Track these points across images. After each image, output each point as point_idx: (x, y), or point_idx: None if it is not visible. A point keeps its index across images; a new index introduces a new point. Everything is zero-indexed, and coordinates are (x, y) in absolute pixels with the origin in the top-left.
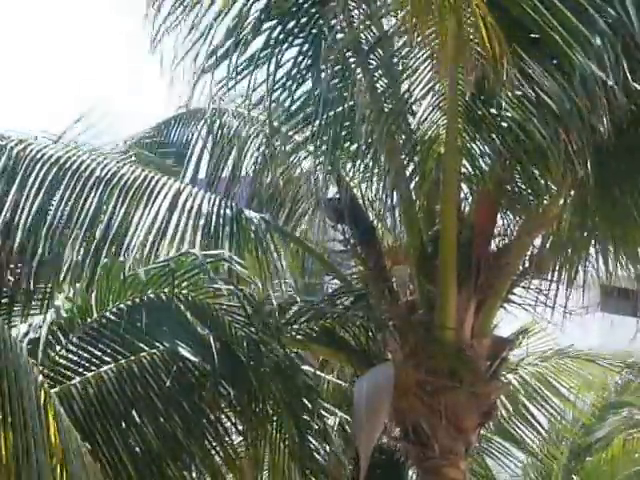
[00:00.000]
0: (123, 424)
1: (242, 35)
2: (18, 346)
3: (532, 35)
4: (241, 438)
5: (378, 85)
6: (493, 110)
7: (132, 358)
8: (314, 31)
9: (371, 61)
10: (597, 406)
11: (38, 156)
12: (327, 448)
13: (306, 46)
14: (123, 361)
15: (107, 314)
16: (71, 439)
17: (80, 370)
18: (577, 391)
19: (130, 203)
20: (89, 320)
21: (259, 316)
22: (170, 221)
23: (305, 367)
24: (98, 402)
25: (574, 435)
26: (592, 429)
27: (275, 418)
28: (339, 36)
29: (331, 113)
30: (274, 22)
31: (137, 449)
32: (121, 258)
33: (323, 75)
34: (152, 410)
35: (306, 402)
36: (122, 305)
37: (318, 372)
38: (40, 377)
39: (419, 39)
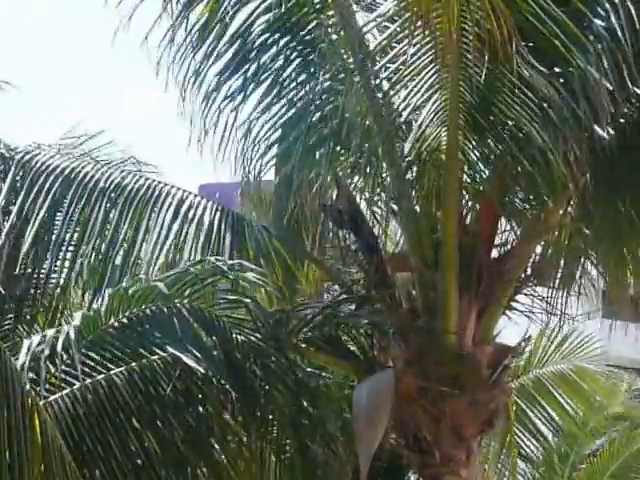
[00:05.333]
0: (124, 432)
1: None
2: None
3: (532, 41)
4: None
5: (377, 91)
6: (494, 117)
7: (137, 367)
8: (309, 38)
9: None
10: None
11: (43, 168)
12: (330, 455)
13: (303, 52)
14: (126, 370)
15: (115, 323)
16: (55, 450)
17: (86, 378)
18: (576, 403)
19: (134, 214)
20: (97, 329)
21: (263, 325)
22: (171, 230)
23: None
24: (98, 410)
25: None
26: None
27: (278, 427)
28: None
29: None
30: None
31: (139, 457)
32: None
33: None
34: (156, 419)
35: (310, 410)
36: (131, 314)
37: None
38: (27, 387)
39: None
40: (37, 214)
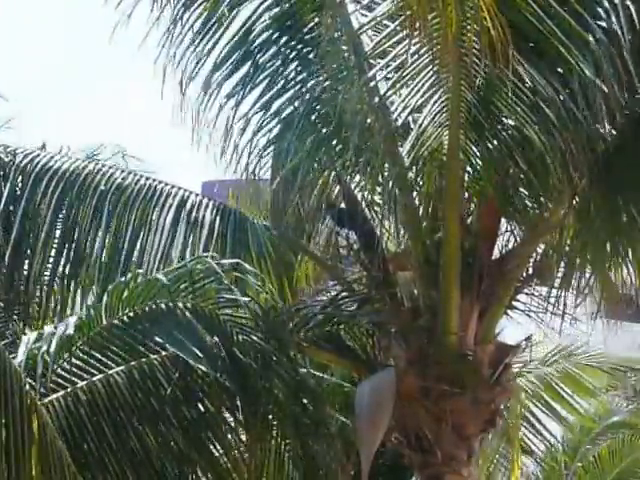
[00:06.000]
0: (125, 431)
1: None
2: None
3: (531, 42)
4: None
5: (378, 90)
6: (493, 117)
7: (138, 365)
8: (310, 36)
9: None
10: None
11: (43, 170)
12: (330, 454)
13: (303, 51)
14: (126, 368)
15: (115, 322)
16: (53, 450)
17: (86, 376)
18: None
19: (136, 215)
20: (98, 328)
21: (266, 325)
22: (173, 231)
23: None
24: (99, 408)
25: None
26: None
27: (279, 426)
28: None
29: (332, 118)
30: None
31: (139, 456)
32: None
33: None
34: (156, 418)
35: (310, 409)
36: (131, 313)
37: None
38: (27, 387)
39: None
40: (38, 216)
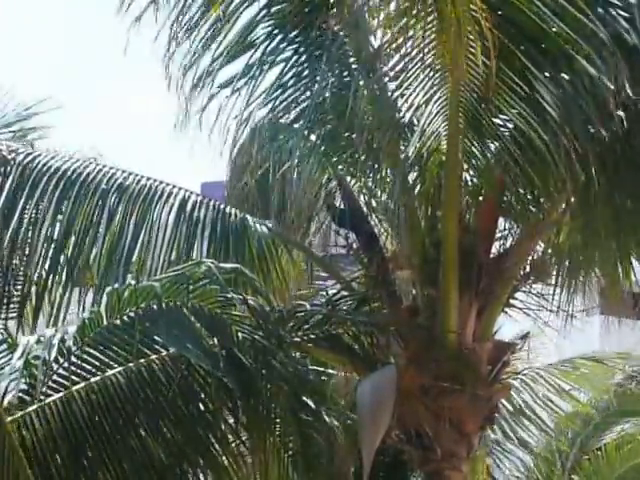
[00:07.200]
0: (126, 431)
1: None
2: None
3: (534, 41)
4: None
5: (379, 92)
6: (493, 117)
7: (139, 365)
8: (313, 36)
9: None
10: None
11: (44, 169)
12: (332, 451)
13: (306, 52)
14: (127, 368)
15: (116, 322)
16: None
17: (87, 376)
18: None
19: (137, 215)
20: (99, 328)
21: (265, 324)
22: (174, 231)
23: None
24: (101, 409)
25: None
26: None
27: (281, 424)
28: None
29: (332, 118)
30: (275, 29)
31: (140, 456)
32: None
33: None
34: (157, 417)
35: (312, 406)
36: (131, 313)
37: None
38: None
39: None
40: (39, 216)
